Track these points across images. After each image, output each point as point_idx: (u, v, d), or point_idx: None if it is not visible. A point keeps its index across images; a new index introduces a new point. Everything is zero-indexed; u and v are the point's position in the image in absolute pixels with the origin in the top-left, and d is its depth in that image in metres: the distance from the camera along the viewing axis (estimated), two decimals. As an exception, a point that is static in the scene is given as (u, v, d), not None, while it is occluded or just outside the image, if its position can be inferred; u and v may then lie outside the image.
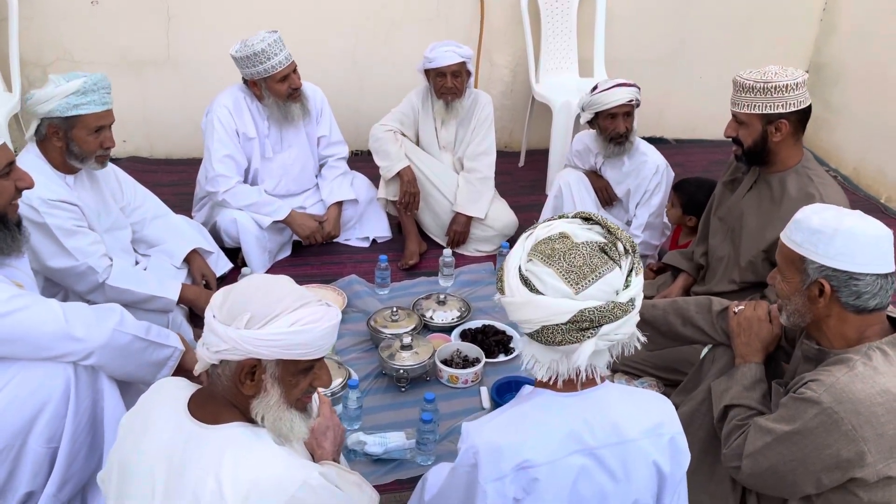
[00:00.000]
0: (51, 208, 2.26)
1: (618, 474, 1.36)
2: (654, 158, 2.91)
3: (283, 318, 1.30)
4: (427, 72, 3.23)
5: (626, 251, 1.31)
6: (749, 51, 4.45)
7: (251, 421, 1.34)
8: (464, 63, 3.16)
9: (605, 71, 4.13)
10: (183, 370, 1.98)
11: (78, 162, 2.37)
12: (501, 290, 1.37)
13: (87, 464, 1.84)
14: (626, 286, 1.29)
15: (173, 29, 3.86)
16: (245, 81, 3.05)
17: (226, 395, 1.33)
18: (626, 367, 2.47)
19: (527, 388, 1.55)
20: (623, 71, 4.03)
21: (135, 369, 1.86)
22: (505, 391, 2.47)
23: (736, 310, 1.83)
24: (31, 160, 2.29)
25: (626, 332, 1.31)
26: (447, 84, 3.17)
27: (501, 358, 2.65)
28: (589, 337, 1.28)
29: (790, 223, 1.64)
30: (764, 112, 2.23)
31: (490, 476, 1.34)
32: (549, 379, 1.37)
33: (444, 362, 2.56)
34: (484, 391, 2.51)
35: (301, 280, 2.97)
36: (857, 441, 1.43)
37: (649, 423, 1.38)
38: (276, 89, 2.98)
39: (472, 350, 2.63)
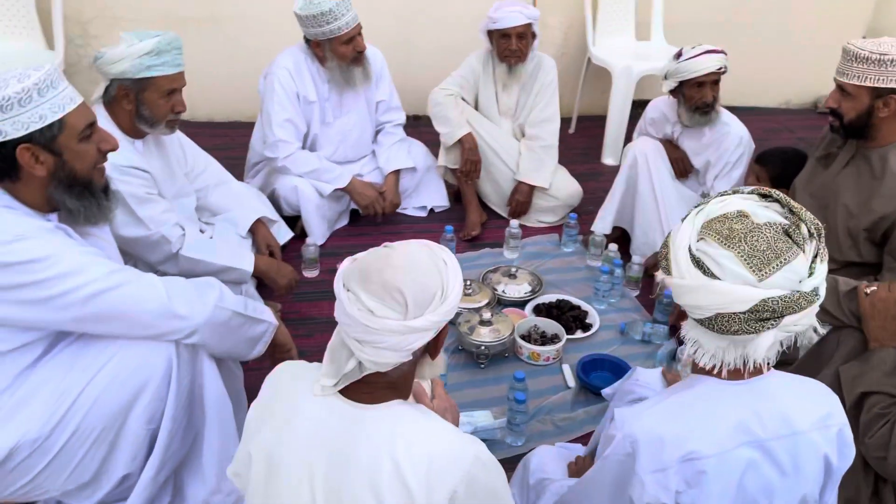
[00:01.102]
0: (123, 174, 2.14)
1: (787, 468, 1.28)
2: (737, 129, 2.80)
3: (452, 279, 1.21)
4: (490, 33, 3.09)
5: (811, 234, 1.21)
6: (804, 16, 4.31)
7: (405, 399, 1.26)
8: (530, 24, 3.03)
9: (663, 35, 3.99)
10: (273, 345, 1.90)
11: (148, 126, 2.25)
12: (667, 270, 1.27)
13: (183, 445, 1.76)
14: (811, 273, 1.19)
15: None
16: (307, 42, 2.91)
17: (392, 377, 1.23)
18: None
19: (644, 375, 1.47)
20: (680, 35, 3.92)
21: (233, 346, 1.78)
22: (590, 370, 2.39)
23: (868, 291, 1.74)
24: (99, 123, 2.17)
25: (806, 322, 1.21)
26: (511, 46, 3.04)
27: (580, 334, 2.56)
28: (770, 328, 1.18)
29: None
30: (876, 85, 2.11)
31: (650, 467, 1.26)
32: (714, 368, 1.28)
33: (523, 338, 2.47)
34: (567, 369, 2.43)
35: (362, 249, 2.93)
36: None
37: (818, 414, 1.29)
38: (342, 51, 2.85)
39: (550, 326, 2.54)
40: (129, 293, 1.59)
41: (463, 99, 3.23)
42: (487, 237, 3.17)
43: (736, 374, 1.28)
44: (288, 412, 1.27)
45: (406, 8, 3.89)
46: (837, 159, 2.38)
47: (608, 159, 3.84)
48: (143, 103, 2.20)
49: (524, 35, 3.03)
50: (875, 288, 1.75)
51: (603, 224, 3.00)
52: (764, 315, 1.17)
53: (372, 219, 3.16)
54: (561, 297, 2.72)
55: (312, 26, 2.78)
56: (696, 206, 1.28)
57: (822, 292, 1.21)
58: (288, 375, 1.36)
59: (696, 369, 1.33)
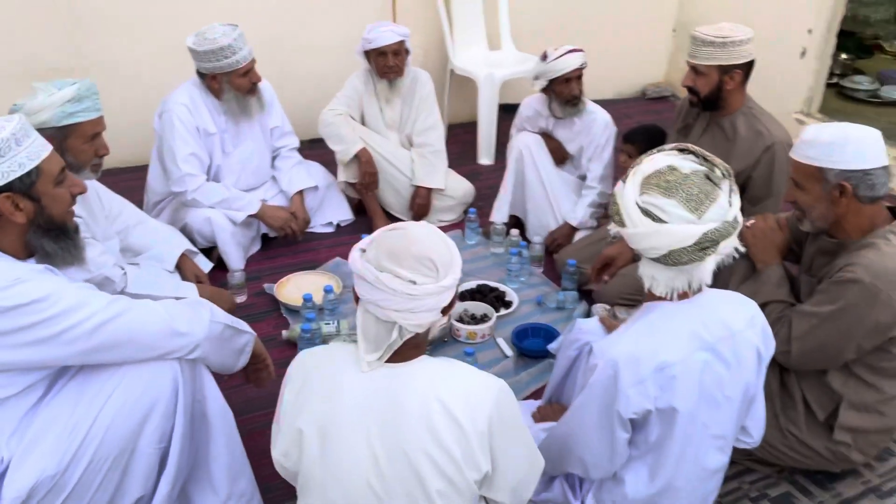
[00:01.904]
0: (59, 222, 2.17)
1: (731, 363, 1.61)
2: (601, 116, 3.21)
3: (451, 242, 1.45)
4: (367, 53, 3.33)
5: (724, 175, 1.55)
6: (619, 15, 4.92)
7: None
8: (402, 41, 3.29)
9: (512, 43, 4.40)
10: (252, 356, 2.01)
11: (73, 172, 2.27)
12: (621, 223, 1.56)
13: (190, 458, 1.84)
14: (730, 205, 1.53)
15: (82, 32, 3.66)
16: (201, 77, 3.00)
17: (419, 339, 1.43)
18: (622, 301, 2.74)
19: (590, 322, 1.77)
20: (527, 43, 4.37)
21: (225, 358, 1.88)
22: (523, 338, 2.68)
23: (749, 223, 2.15)
24: None
25: (733, 244, 1.55)
26: (389, 63, 3.29)
27: (504, 311, 2.85)
28: (711, 254, 1.51)
29: (799, 143, 1.94)
30: (721, 63, 2.58)
31: (631, 381, 1.55)
32: (667, 294, 1.59)
33: (458, 321, 2.72)
34: (501, 341, 2.70)
35: (283, 270, 3.09)
36: (893, 306, 1.79)
37: (747, 316, 1.64)
38: (239, 84, 2.97)
39: (478, 307, 2.81)
40: (133, 319, 1.67)
41: (351, 117, 3.43)
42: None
43: (682, 296, 1.60)
44: (330, 387, 1.44)
45: (275, 40, 4.03)
46: (694, 129, 2.84)
47: (484, 159, 4.19)
48: (67, 150, 2.23)
49: (399, 51, 3.30)
50: (753, 221, 2.17)
51: (500, 214, 3.32)
52: (705, 244, 1.48)
53: (284, 240, 3.28)
54: (479, 282, 2.99)
55: (210, 61, 2.88)
56: (630, 168, 1.59)
57: (740, 219, 1.55)
58: (315, 360, 1.52)
59: (650, 298, 1.64)
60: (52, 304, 1.58)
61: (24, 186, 1.61)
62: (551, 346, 2.38)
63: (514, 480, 1.53)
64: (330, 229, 3.49)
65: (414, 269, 1.36)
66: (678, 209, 1.48)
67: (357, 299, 1.46)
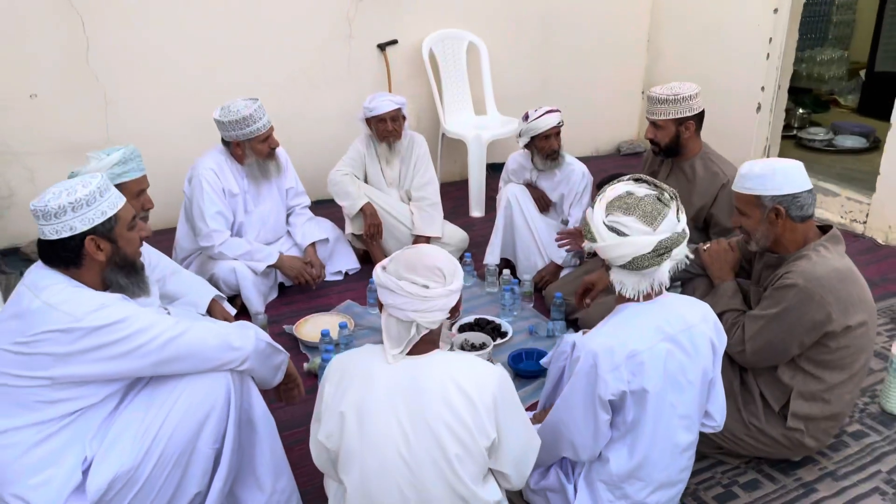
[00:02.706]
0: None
1: (690, 351, 1.95)
2: (579, 166, 3.63)
3: (454, 258, 1.83)
4: (368, 120, 3.76)
5: (671, 197, 1.94)
6: (593, 82, 5.43)
7: None
8: (400, 108, 3.73)
9: (495, 108, 4.87)
10: (285, 375, 2.33)
11: (123, 224, 2.64)
12: (592, 239, 1.94)
13: (238, 459, 2.14)
14: (678, 220, 1.91)
15: (111, 113, 4.09)
16: (226, 144, 3.41)
17: (434, 335, 1.78)
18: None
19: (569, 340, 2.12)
20: (508, 107, 4.83)
21: (266, 372, 2.20)
22: (518, 360, 3.01)
23: (705, 247, 2.53)
24: None
25: (683, 251, 1.93)
26: (388, 128, 3.72)
27: (500, 340, 3.19)
28: (665, 259, 1.88)
29: (737, 178, 2.33)
30: (676, 117, 3.01)
31: (608, 368, 1.89)
32: (634, 296, 1.95)
33: (460, 348, 3.06)
34: (499, 365, 3.02)
35: (299, 314, 3.42)
36: (825, 305, 2.14)
37: (701, 314, 2.00)
38: (259, 149, 3.37)
39: (477, 337, 3.14)
40: (195, 335, 2.01)
41: (356, 176, 3.84)
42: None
43: (647, 297, 1.96)
44: (364, 378, 1.78)
45: (282, 112, 4.46)
46: (660, 174, 3.24)
47: (475, 212, 4.60)
48: (119, 206, 2.60)
49: (396, 118, 3.73)
50: (709, 245, 2.55)
51: (493, 256, 3.69)
52: (661, 251, 1.86)
53: (298, 287, 3.64)
54: (477, 317, 3.34)
55: (233, 129, 3.29)
56: (597, 195, 1.98)
57: (687, 231, 1.93)
58: (348, 359, 1.86)
59: (620, 300, 2.00)
60: (129, 325, 1.91)
61: (104, 230, 1.97)
62: (543, 361, 2.71)
63: (516, 452, 1.85)
64: (339, 277, 3.84)
65: (426, 276, 1.72)
66: (637, 224, 1.85)
67: (381, 307, 1.82)
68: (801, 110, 6.32)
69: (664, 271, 1.90)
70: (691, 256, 1.97)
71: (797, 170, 2.25)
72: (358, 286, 3.69)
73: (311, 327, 3.26)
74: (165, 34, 4.12)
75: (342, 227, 3.87)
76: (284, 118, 4.48)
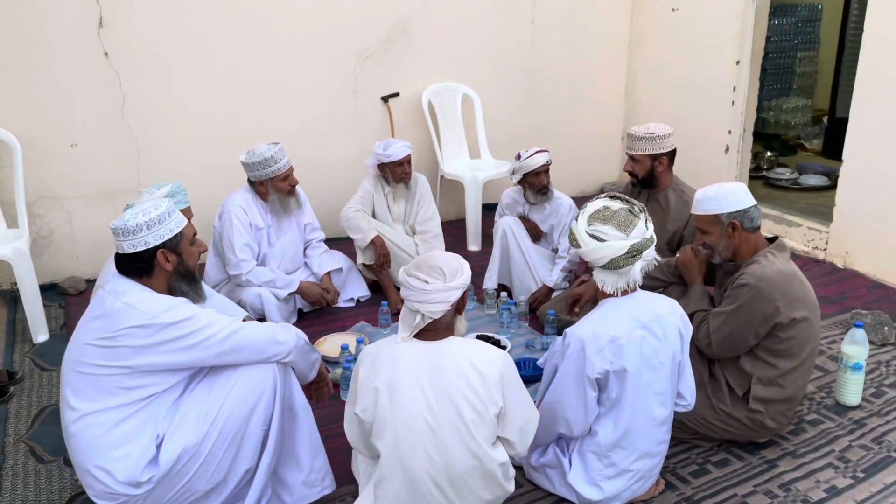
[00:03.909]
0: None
1: (661, 337, 2.35)
2: (566, 200, 4.08)
3: (465, 263, 2.20)
4: (383, 165, 4.20)
5: (640, 210, 2.36)
6: (577, 128, 5.94)
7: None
8: (410, 154, 4.18)
9: (489, 152, 5.34)
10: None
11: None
12: (577, 246, 2.35)
13: (281, 440, 2.49)
14: (647, 227, 2.34)
15: (142, 160, 4.52)
16: (251, 184, 3.83)
17: (444, 324, 2.17)
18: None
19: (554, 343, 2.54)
20: (500, 151, 5.30)
21: (304, 367, 2.57)
22: (517, 368, 3.37)
23: (678, 255, 2.95)
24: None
25: (652, 254, 2.34)
26: (405, 170, 4.17)
27: (500, 352, 3.57)
28: (637, 260, 2.30)
29: (695, 203, 2.76)
30: (651, 153, 3.47)
31: (594, 350, 2.29)
32: (614, 292, 2.36)
33: (465, 360, 3.44)
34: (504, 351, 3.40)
35: (318, 334, 3.80)
36: (773, 300, 2.56)
37: (669, 306, 2.41)
38: (280, 186, 3.80)
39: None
40: (249, 331, 2.39)
41: (365, 212, 4.27)
42: (406, 311, 4.14)
43: (624, 293, 2.37)
44: (392, 360, 2.16)
45: (296, 156, 4.91)
46: (637, 205, 3.68)
47: (473, 246, 5.03)
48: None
49: (409, 161, 4.18)
50: (678, 255, 2.97)
51: (491, 281, 4.10)
52: (633, 253, 2.27)
53: (316, 312, 4.02)
54: (478, 334, 3.73)
55: (258, 169, 3.72)
56: (581, 210, 2.40)
57: (654, 238, 2.35)
58: (377, 346, 2.24)
59: (602, 296, 2.41)
60: (196, 322, 2.29)
61: (172, 245, 2.37)
62: (539, 362, 3.10)
63: (520, 421, 2.22)
64: (352, 304, 4.22)
65: (428, 273, 2.13)
66: (613, 231, 2.28)
67: (402, 302, 2.22)
68: (769, 153, 6.84)
69: (637, 270, 2.32)
70: (659, 259, 2.39)
71: (743, 190, 2.70)
72: (369, 311, 4.08)
73: (329, 345, 3.64)
74: (191, 89, 4.59)
75: (353, 259, 4.28)
76: (297, 163, 4.83)
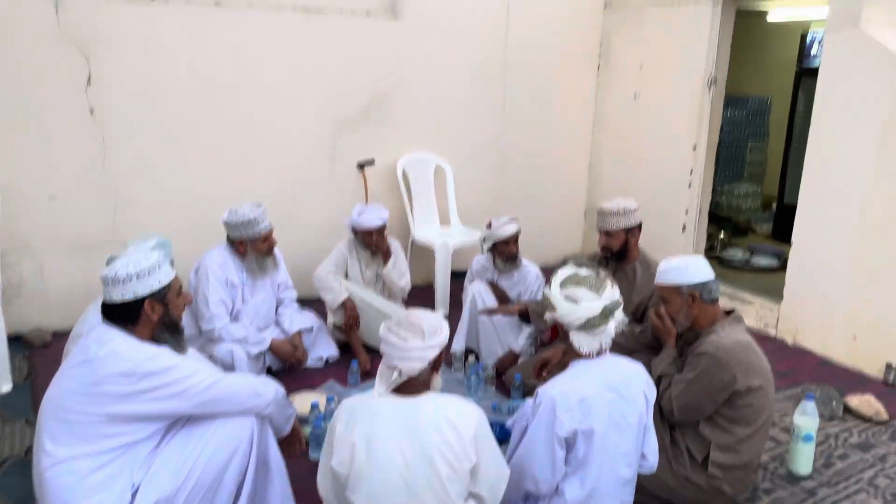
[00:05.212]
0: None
1: (628, 399, 2.47)
2: (534, 269, 4.24)
3: (444, 322, 2.30)
4: (355, 229, 4.33)
5: (606, 275, 2.52)
6: (543, 201, 6.18)
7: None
8: (384, 223, 4.32)
9: (458, 220, 5.52)
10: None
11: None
12: (553, 310, 2.48)
13: (255, 492, 2.53)
14: (613, 289, 2.48)
15: (120, 214, 4.57)
16: (230, 242, 3.91)
17: (420, 380, 2.26)
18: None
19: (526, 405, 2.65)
20: (470, 218, 5.48)
21: (280, 421, 2.62)
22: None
23: (652, 318, 3.10)
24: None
25: (621, 315, 2.48)
26: (373, 240, 4.31)
27: (467, 415, 3.64)
28: (610, 320, 2.44)
29: (658, 274, 2.94)
30: (625, 227, 3.67)
31: (564, 409, 2.39)
32: (589, 353, 2.48)
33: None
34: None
35: (288, 392, 3.78)
36: (730, 369, 2.71)
37: (636, 370, 2.53)
38: (260, 247, 3.90)
39: (447, 412, 3.60)
40: (230, 382, 2.44)
41: (337, 275, 4.37)
42: (376, 368, 4.19)
43: (599, 353, 2.49)
44: (369, 414, 2.22)
45: (273, 217, 5.02)
46: (604, 279, 3.85)
47: (440, 310, 5.12)
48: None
49: (381, 231, 4.32)
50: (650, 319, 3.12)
51: (458, 344, 4.20)
52: (606, 313, 2.41)
53: (285, 371, 4.06)
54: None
55: (239, 230, 3.81)
56: (552, 277, 2.54)
57: (621, 300, 2.49)
58: (355, 401, 2.30)
59: (572, 357, 2.52)
60: (179, 371, 2.35)
61: (160, 296, 2.43)
62: (508, 423, 3.18)
63: (492, 477, 2.30)
64: (320, 364, 4.27)
65: (409, 331, 2.21)
66: (587, 292, 2.42)
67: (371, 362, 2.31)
68: (721, 235, 7.17)
69: (610, 331, 2.45)
70: (627, 319, 2.53)
71: (704, 263, 2.88)
72: (338, 371, 4.13)
73: (298, 402, 3.66)
74: (173, 149, 4.70)
75: (324, 319, 4.34)
76: (273, 223, 5.00)
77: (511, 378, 3.82)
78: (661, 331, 3.01)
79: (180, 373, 2.35)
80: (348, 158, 5.29)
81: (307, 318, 4.27)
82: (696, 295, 2.84)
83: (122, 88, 4.46)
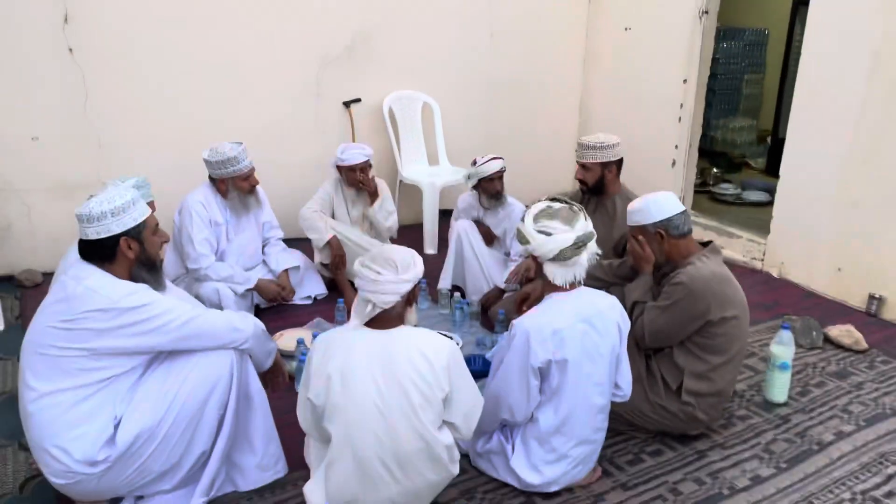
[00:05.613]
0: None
1: (601, 331, 2.51)
2: (518, 206, 4.24)
3: (417, 257, 2.32)
4: (340, 167, 4.31)
5: (578, 208, 2.53)
6: (533, 139, 6.14)
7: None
8: (368, 160, 4.30)
9: (447, 159, 5.49)
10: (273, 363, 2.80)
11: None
12: (526, 242, 2.50)
13: (236, 425, 2.58)
14: (587, 221, 2.50)
15: (104, 155, 4.56)
16: (212, 181, 3.91)
17: (394, 314, 2.29)
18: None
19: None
20: (457, 158, 5.45)
21: (261, 355, 2.67)
22: (468, 364, 3.51)
23: (629, 249, 3.12)
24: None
25: (594, 247, 2.50)
26: (357, 177, 4.29)
27: (451, 350, 3.70)
28: (583, 252, 2.46)
29: (627, 216, 2.95)
30: (601, 161, 3.65)
31: (537, 340, 2.43)
32: (563, 284, 2.50)
33: (417, 356, 3.56)
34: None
35: (275, 329, 3.87)
36: (705, 299, 2.74)
37: (609, 302, 2.57)
38: (241, 185, 3.89)
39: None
40: (207, 318, 2.48)
41: (323, 213, 4.37)
42: (361, 309, 4.25)
43: (572, 286, 2.52)
44: (344, 346, 2.26)
45: (259, 158, 4.99)
46: (587, 211, 3.85)
47: (429, 250, 5.17)
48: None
49: (365, 168, 4.30)
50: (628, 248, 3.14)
51: (445, 282, 4.23)
52: (578, 244, 2.43)
53: (273, 308, 4.10)
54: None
55: (220, 168, 3.81)
56: (525, 212, 2.55)
57: (594, 231, 2.50)
58: (331, 334, 2.34)
59: (549, 290, 2.55)
60: (156, 307, 2.38)
61: (135, 233, 2.44)
62: (488, 355, 3.24)
63: (465, 406, 2.35)
64: (309, 302, 4.32)
65: (382, 265, 2.24)
66: (559, 225, 2.43)
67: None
68: (715, 170, 7.14)
69: (583, 262, 2.47)
70: (600, 252, 2.55)
71: (667, 199, 2.88)
72: (326, 308, 4.18)
73: (286, 339, 3.72)
74: (155, 88, 4.66)
75: (311, 258, 4.37)
76: (258, 163, 4.90)
77: (495, 313, 3.86)
78: (640, 257, 3.01)
79: (157, 308, 2.38)
80: (333, 97, 5.23)
81: (294, 258, 4.29)
82: (662, 232, 2.85)
83: (99, 27, 4.39)
